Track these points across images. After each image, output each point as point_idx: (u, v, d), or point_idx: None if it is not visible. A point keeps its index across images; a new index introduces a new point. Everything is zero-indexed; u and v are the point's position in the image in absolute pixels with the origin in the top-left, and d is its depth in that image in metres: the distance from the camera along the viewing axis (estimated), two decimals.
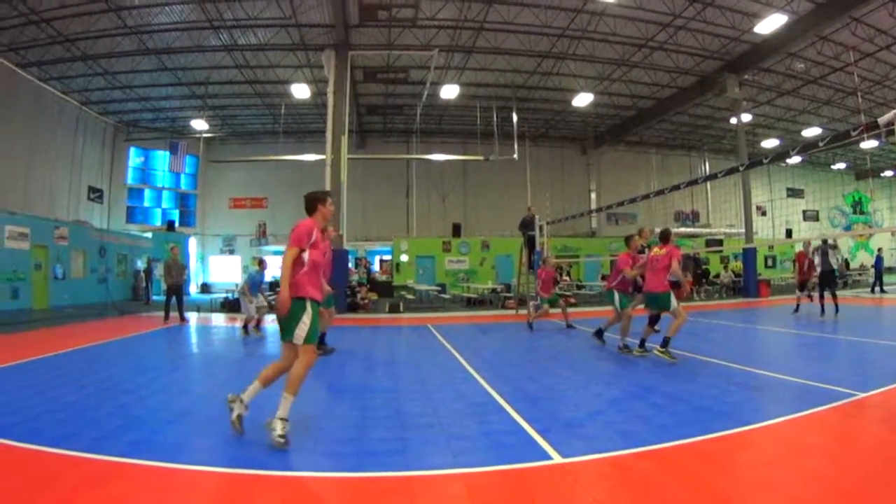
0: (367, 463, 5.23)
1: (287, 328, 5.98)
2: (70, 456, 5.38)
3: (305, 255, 6.09)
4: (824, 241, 19.84)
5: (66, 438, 5.88)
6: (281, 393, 5.80)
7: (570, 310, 19.29)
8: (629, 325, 12.43)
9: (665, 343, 10.82)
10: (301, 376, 5.91)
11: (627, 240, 12.89)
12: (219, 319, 21.68)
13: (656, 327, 12.02)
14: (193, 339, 16.41)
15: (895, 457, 5.29)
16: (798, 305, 20.73)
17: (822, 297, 19.17)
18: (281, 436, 5.57)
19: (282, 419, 5.67)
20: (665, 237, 11.40)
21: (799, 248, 23.48)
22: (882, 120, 7.81)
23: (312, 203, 6.52)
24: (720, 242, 41.70)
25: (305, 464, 5.23)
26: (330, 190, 6.55)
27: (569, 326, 17.38)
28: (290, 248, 6.02)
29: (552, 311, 17.89)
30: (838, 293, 19.86)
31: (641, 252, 12.99)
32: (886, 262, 40.35)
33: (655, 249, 11.34)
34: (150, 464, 5.12)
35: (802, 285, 21.14)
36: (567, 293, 29.38)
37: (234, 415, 5.99)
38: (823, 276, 19.18)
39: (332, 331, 16.38)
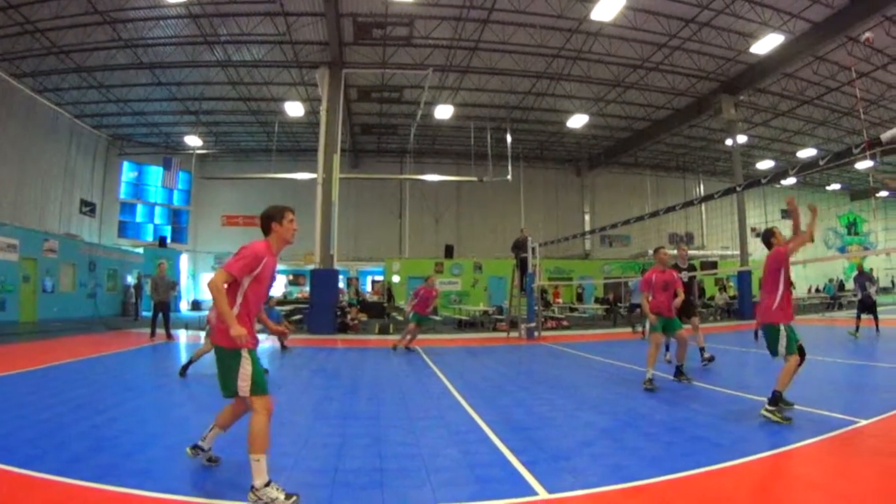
0: (339, 497, 4.99)
1: (225, 382, 5.21)
2: (35, 478, 5.20)
3: (242, 291, 5.24)
4: (861, 272, 21.05)
5: (34, 459, 5.70)
6: (248, 458, 4.90)
7: (563, 332, 19.09)
8: (685, 352, 11.20)
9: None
10: (262, 431, 4.97)
11: (655, 253, 11.63)
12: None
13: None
14: (177, 357, 16.14)
15: None
16: (757, 332, 19.53)
17: (858, 317, 20.45)
18: (288, 496, 4.74)
19: (267, 485, 4.78)
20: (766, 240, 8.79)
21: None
22: (885, 136, 7.70)
23: (265, 222, 5.53)
24: (715, 265, 41.60)
25: None
26: (291, 207, 4.90)
27: (408, 349, 17.33)
28: (222, 270, 5.13)
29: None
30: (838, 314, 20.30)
31: (681, 269, 12.83)
32: (881, 283, 40.31)
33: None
34: (116, 490, 4.92)
35: None
36: (560, 316, 29.30)
37: (205, 459, 5.63)
38: (863, 304, 20.52)
39: (322, 352, 16.23)
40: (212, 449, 5.70)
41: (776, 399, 7.67)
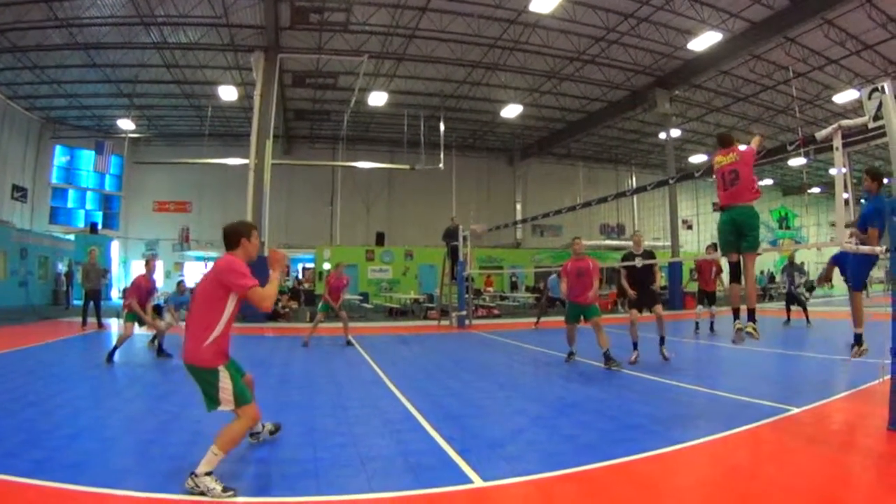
0: (274, 486, 5.04)
1: (209, 397, 5.14)
2: None
3: (230, 307, 5.21)
4: (791, 263, 21.61)
5: None
6: (210, 446, 4.87)
7: (493, 321, 19.14)
8: (604, 337, 11.73)
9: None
10: (239, 436, 5.08)
11: (571, 243, 12.55)
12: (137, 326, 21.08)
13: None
14: (108, 346, 15.87)
15: (830, 476, 5.32)
16: (698, 323, 19.40)
17: (788, 309, 21.50)
18: (225, 489, 4.66)
19: (208, 474, 4.71)
20: (725, 142, 9.06)
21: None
22: (820, 135, 7.89)
23: (234, 237, 5.45)
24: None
25: None
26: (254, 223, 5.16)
27: (347, 343, 16.32)
28: (254, 288, 5.11)
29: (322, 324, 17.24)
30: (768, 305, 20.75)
31: (636, 255, 12.99)
32: (811, 276, 41.17)
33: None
34: (50, 485, 4.84)
35: (708, 297, 18.93)
36: (491, 305, 29.49)
37: (268, 434, 6.31)
38: (790, 296, 21.49)
39: (251, 340, 16.20)
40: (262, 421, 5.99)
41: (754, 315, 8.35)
